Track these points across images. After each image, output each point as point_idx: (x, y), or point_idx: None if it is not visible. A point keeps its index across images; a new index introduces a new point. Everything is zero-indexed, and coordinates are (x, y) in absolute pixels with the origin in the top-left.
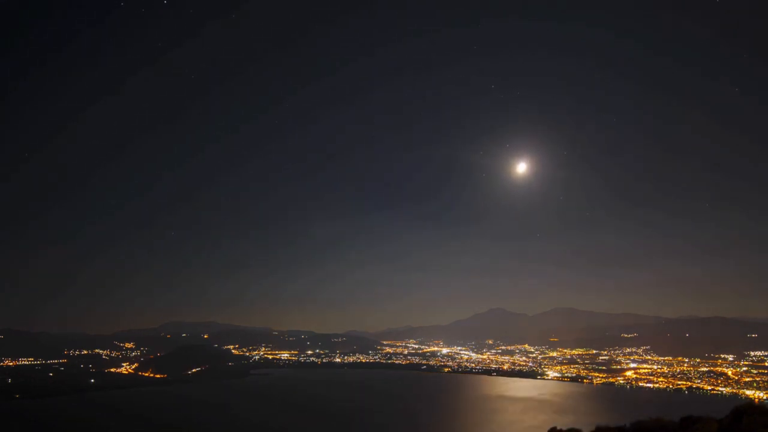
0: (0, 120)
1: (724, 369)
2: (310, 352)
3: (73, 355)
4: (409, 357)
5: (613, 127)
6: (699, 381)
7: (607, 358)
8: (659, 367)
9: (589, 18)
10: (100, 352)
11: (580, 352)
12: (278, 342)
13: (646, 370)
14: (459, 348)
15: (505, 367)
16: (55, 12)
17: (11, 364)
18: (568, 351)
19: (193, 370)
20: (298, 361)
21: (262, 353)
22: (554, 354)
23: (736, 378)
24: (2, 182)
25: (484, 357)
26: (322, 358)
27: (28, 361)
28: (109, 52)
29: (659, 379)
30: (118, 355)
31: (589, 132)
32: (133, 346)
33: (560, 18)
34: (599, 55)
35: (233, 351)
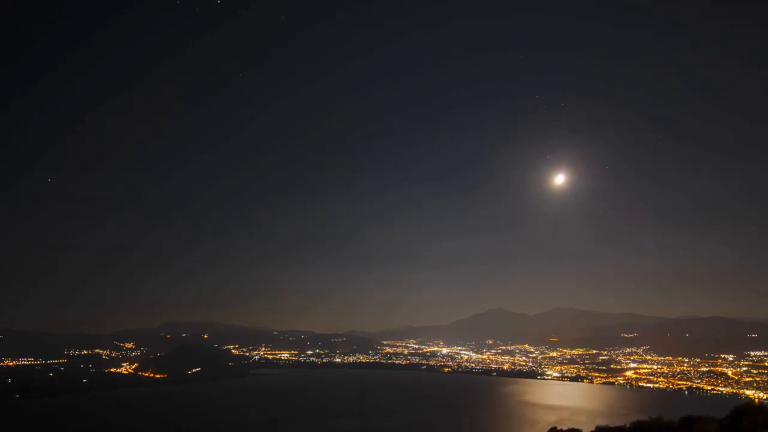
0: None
1: (724, 369)
2: (310, 352)
3: (73, 355)
4: (409, 357)
5: (661, 144)
6: (699, 381)
7: (607, 358)
8: (659, 367)
9: (644, 32)
10: (100, 352)
11: (580, 352)
12: (278, 342)
13: (646, 370)
14: (459, 348)
15: (505, 367)
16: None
17: (11, 364)
18: (568, 351)
19: (193, 370)
20: (298, 361)
21: (262, 353)
22: (554, 354)
23: (736, 378)
24: (7, 187)
25: (484, 357)
26: (322, 358)
27: (28, 361)
28: (133, 41)
29: (659, 379)
30: (118, 355)
31: (635, 148)
32: (133, 346)
33: (613, 31)
34: (651, 72)
35: (233, 351)
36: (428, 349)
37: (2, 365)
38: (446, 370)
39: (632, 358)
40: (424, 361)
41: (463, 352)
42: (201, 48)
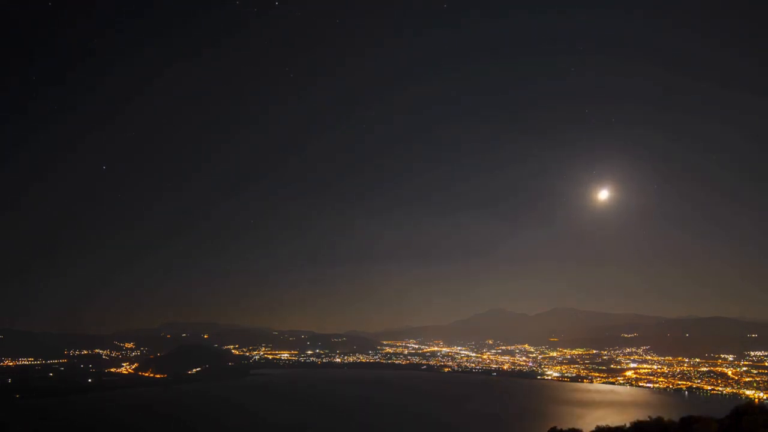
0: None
1: (724, 369)
2: (310, 352)
3: (73, 355)
4: (409, 357)
5: (716, 163)
6: (699, 381)
7: (607, 358)
8: (659, 367)
9: (701, 53)
10: (100, 352)
11: (580, 352)
12: (278, 342)
13: (646, 370)
14: (459, 348)
15: (505, 367)
16: None
17: (11, 364)
18: (568, 351)
19: (194, 370)
20: (298, 361)
21: (262, 353)
22: (554, 354)
23: (736, 378)
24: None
25: (484, 357)
26: (322, 358)
27: (28, 361)
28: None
29: (659, 379)
30: (118, 355)
31: (685, 168)
32: (133, 346)
33: (666, 49)
34: (706, 92)
35: (233, 351)
36: (428, 349)
37: (2, 365)
38: (446, 370)
39: (632, 358)
40: (424, 361)
41: (463, 351)
42: (252, 47)
